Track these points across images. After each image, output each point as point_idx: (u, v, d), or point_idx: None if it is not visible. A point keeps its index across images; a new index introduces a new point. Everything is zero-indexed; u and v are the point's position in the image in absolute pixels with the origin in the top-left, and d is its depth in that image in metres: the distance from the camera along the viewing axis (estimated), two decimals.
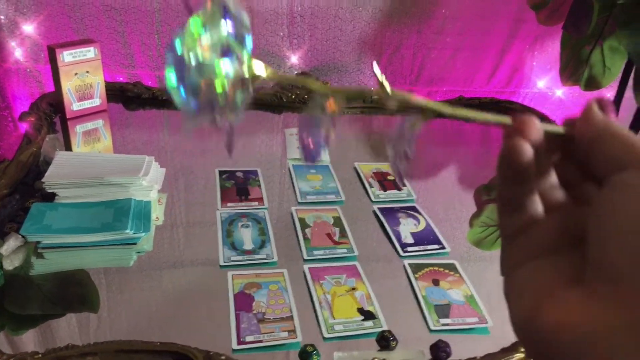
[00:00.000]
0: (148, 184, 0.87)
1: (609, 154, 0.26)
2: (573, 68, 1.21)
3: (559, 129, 0.30)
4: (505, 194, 0.29)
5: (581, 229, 0.27)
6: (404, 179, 0.33)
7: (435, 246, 0.85)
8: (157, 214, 0.86)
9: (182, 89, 0.28)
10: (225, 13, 0.28)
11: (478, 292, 0.75)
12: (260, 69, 0.30)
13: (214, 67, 0.28)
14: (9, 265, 0.73)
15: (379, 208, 0.94)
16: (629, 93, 1.29)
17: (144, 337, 0.62)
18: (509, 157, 0.27)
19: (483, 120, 0.30)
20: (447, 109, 0.31)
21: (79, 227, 0.78)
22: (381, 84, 0.31)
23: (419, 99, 0.31)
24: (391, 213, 0.92)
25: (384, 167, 1.08)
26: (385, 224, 0.89)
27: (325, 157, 1.07)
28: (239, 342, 0.65)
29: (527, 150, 0.27)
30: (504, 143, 0.28)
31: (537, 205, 0.29)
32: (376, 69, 0.32)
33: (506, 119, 0.29)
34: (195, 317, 0.70)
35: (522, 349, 0.63)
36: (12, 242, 0.75)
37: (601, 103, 0.28)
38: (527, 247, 0.28)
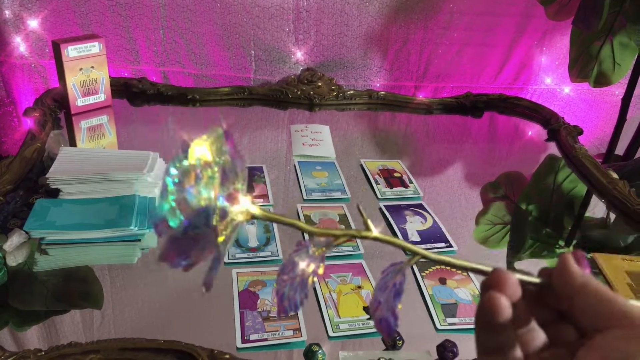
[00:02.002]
0: (153, 180, 0.87)
1: (591, 310, 0.27)
2: (582, 64, 1.20)
3: (535, 279, 0.30)
4: (483, 342, 0.30)
5: None
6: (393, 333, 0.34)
7: (442, 244, 0.84)
8: None
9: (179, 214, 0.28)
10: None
11: None
12: (253, 209, 0.30)
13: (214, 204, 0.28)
14: (13, 261, 0.73)
15: (385, 205, 0.93)
16: (638, 90, 1.27)
17: (147, 335, 0.61)
18: (487, 312, 0.28)
19: (465, 267, 0.32)
20: (433, 256, 0.32)
21: (82, 223, 0.77)
22: (366, 223, 0.33)
23: (405, 243, 0.33)
24: (398, 210, 0.92)
25: (390, 164, 1.07)
26: (392, 222, 0.88)
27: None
28: (244, 341, 0.64)
29: (505, 307, 0.28)
30: (483, 297, 0.28)
31: (516, 351, 0.30)
32: (361, 210, 0.34)
33: (486, 268, 0.30)
34: (199, 315, 0.69)
35: None
36: (16, 239, 0.75)
37: (576, 256, 0.29)
38: None
